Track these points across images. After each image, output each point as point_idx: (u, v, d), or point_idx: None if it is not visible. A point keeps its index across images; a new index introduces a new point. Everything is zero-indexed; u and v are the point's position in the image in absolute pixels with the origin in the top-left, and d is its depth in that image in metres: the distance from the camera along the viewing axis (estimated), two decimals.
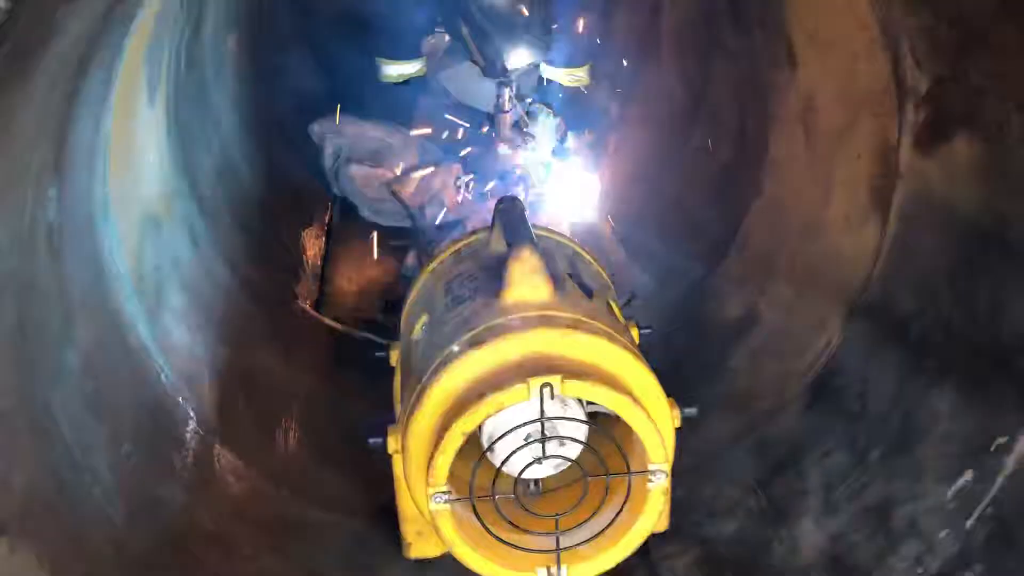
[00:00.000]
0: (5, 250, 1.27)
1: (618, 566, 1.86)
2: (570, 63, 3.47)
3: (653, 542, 1.95)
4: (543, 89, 3.59)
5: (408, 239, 3.27)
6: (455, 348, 1.71)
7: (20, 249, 1.34)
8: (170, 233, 2.17)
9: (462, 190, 3.44)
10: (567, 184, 3.36)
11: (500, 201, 2.11)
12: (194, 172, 2.41)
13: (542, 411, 1.65)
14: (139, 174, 2.06)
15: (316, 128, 3.48)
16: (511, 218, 2.04)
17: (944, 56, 1.69)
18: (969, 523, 1.58)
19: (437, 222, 3.32)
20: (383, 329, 2.65)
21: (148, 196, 2.10)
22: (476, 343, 1.70)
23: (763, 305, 2.39)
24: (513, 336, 1.71)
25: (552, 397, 1.63)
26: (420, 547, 1.93)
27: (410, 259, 3.15)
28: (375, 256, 3.22)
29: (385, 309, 2.85)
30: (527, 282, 1.78)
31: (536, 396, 1.63)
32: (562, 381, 1.63)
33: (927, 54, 1.75)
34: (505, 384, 1.63)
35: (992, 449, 1.57)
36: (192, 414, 1.95)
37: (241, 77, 3.09)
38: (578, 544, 1.76)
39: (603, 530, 1.77)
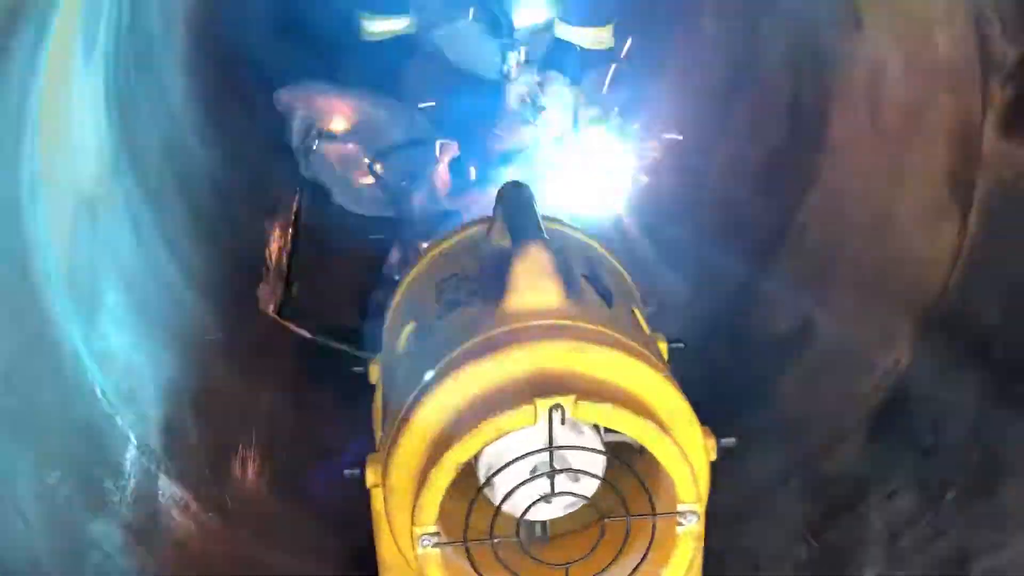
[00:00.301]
0: None
1: None
2: (590, 21, 3.57)
3: None
4: (558, 52, 3.68)
5: (392, 231, 3.35)
6: (448, 363, 1.76)
7: None
8: (109, 220, 2.24)
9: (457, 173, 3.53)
10: (584, 168, 3.43)
11: (504, 187, 2.18)
12: (137, 148, 2.49)
13: (551, 438, 1.70)
14: (73, 150, 2.12)
15: (283, 96, 3.56)
16: (516, 207, 2.10)
17: None
18: None
19: (427, 211, 3.41)
20: (361, 339, 2.72)
21: (83, 176, 2.17)
22: (473, 357, 1.74)
23: (819, 316, 2.47)
24: (517, 349, 1.75)
25: (563, 422, 1.67)
26: None
27: (394, 256, 3.24)
28: (352, 251, 3.30)
29: (364, 315, 2.93)
30: (535, 284, 1.83)
31: (544, 420, 1.67)
32: (575, 403, 1.67)
33: (1017, 19, 1.81)
34: (507, 406, 1.66)
35: None
36: (132, 437, 2.01)
37: (193, 34, 3.17)
38: None
39: None
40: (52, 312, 1.89)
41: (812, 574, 2.05)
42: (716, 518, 1.92)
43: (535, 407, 1.66)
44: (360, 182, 3.53)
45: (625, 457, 1.82)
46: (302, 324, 2.89)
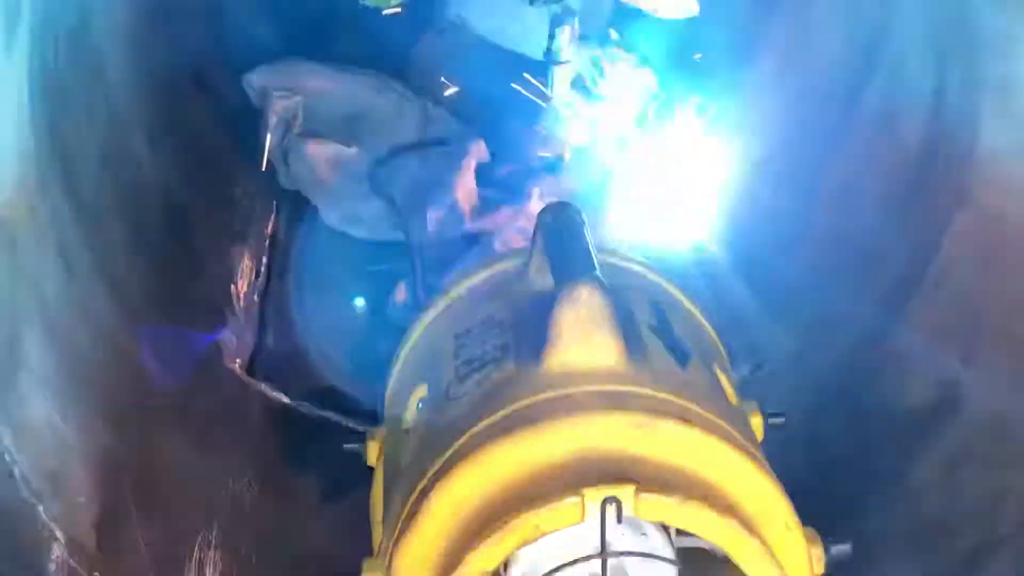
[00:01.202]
0: None
1: None
2: None
3: None
4: (623, 23, 3.83)
5: (399, 261, 3.47)
6: (469, 440, 1.86)
7: None
8: (32, 249, 2.35)
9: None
10: (657, 180, 3.54)
11: (545, 209, 2.29)
12: (69, 153, 2.60)
13: (603, 542, 1.78)
14: None
15: (255, 79, 3.71)
16: (562, 236, 2.21)
17: None
18: None
19: (445, 236, 3.50)
20: (356, 406, 2.83)
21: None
22: (502, 433, 1.83)
23: (967, 381, 2.53)
24: (561, 423, 1.84)
25: (619, 520, 1.75)
26: None
27: (400, 294, 3.35)
28: (345, 287, 3.42)
29: (359, 374, 3.00)
30: (585, 339, 1.93)
31: (595, 518, 1.77)
32: (636, 495, 1.74)
33: None
34: (548, 499, 1.75)
35: None
36: (59, 534, 2.09)
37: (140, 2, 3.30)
38: None
39: None
40: None
41: None
42: None
43: (583, 500, 1.74)
44: (357, 195, 3.64)
45: (703, 567, 1.94)
46: (278, 385, 2.99)
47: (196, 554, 2.34)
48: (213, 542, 2.39)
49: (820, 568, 1.91)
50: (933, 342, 2.67)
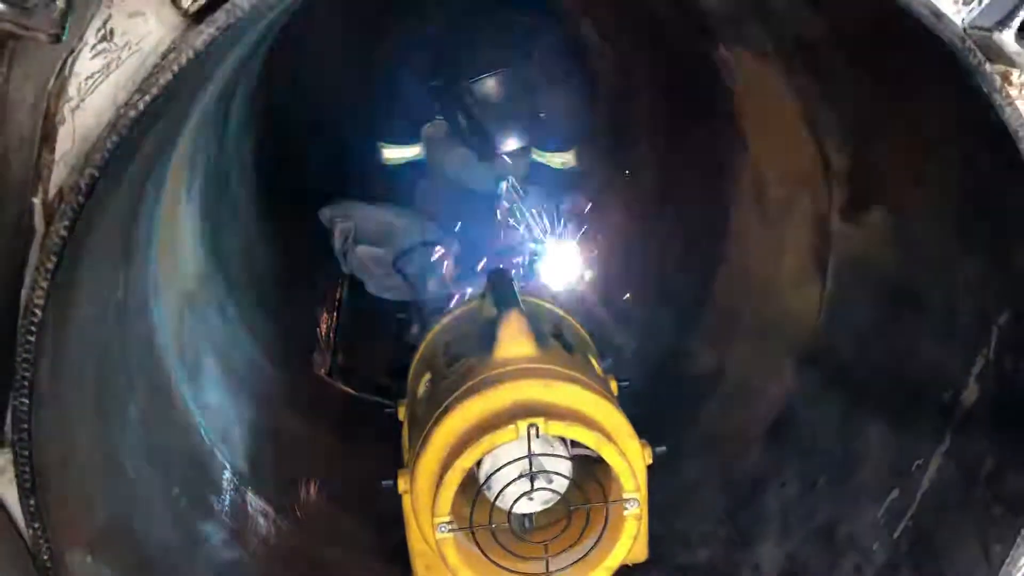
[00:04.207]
0: (91, 322, 1.61)
1: None
2: (558, 148, 3.81)
3: (634, 571, 2.19)
4: (535, 173, 3.88)
5: (412, 311, 3.57)
6: (456, 397, 1.97)
7: (99, 322, 1.68)
8: (204, 309, 2.48)
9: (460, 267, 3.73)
10: (556, 257, 3.62)
11: (491, 272, 2.43)
12: (222, 255, 2.72)
13: (529, 448, 1.92)
14: (179, 259, 2.36)
15: (326, 212, 3.76)
16: (501, 287, 2.36)
17: (853, 143, 2.05)
18: (896, 535, 1.86)
19: (439, 295, 3.59)
20: (391, 393, 2.85)
21: (185, 277, 2.42)
22: (473, 392, 1.95)
23: (728, 359, 2.65)
24: (503, 386, 1.95)
25: (538, 435, 1.87)
26: None
27: (414, 329, 3.41)
28: (382, 327, 3.51)
29: (392, 374, 3.06)
30: (514, 340, 2.05)
31: (524, 437, 1.88)
32: (545, 422, 1.88)
33: (840, 143, 2.09)
34: (498, 426, 1.88)
35: (912, 470, 1.86)
36: (227, 465, 2.23)
37: (260, 172, 3.41)
38: (565, 567, 2.03)
39: (586, 554, 2.05)
40: (170, 376, 2.14)
41: (728, 547, 2.23)
42: (656, 510, 2.09)
43: (517, 426, 1.87)
44: (387, 275, 3.72)
45: (588, 467, 2.03)
46: (347, 382, 3.08)
47: (304, 476, 2.42)
48: (312, 470, 2.46)
49: (649, 460, 2.00)
50: (709, 339, 2.77)
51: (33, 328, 1.29)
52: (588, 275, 3.56)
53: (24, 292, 1.31)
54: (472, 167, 3.83)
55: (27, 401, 1.31)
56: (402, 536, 2.14)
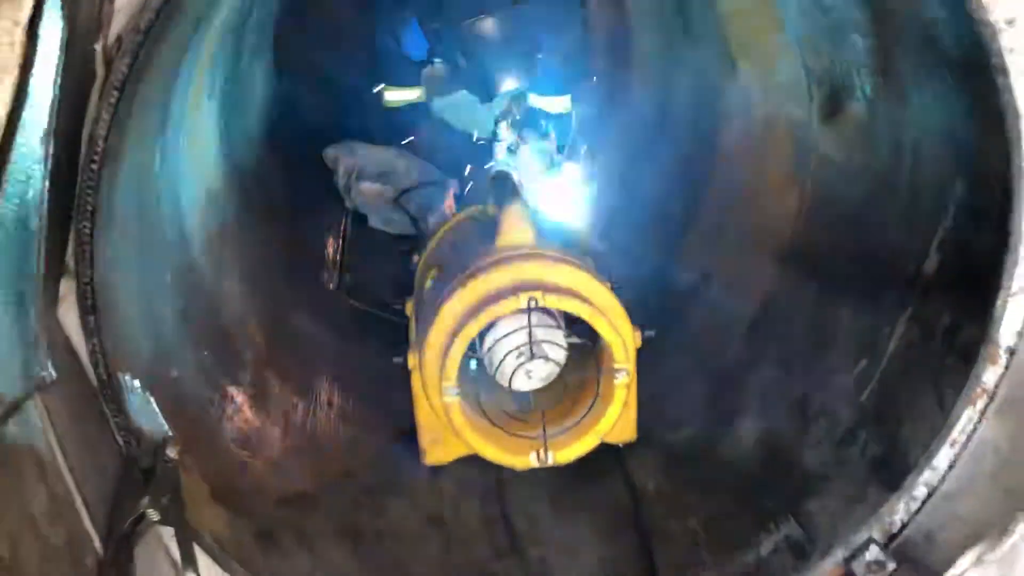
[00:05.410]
0: (134, 176, 1.78)
1: (602, 467, 2.28)
2: (554, 92, 3.91)
3: (626, 450, 2.36)
4: (533, 117, 3.99)
5: (413, 244, 3.67)
6: (463, 277, 2.15)
7: (141, 177, 1.85)
8: (223, 203, 2.64)
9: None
10: (557, 191, 3.71)
11: (495, 174, 2.59)
12: (237, 164, 2.89)
13: (529, 318, 2.08)
14: (202, 152, 2.52)
15: (331, 151, 3.89)
16: (503, 186, 2.54)
17: (828, 47, 2.23)
18: (863, 397, 2.04)
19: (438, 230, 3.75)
20: (390, 308, 3.05)
21: (207, 175, 2.59)
22: (479, 272, 2.14)
23: (715, 267, 2.81)
24: (505, 267, 2.14)
25: (536, 305, 2.04)
26: (435, 454, 2.33)
27: (416, 259, 3.59)
28: (384, 256, 3.63)
29: (393, 293, 3.19)
30: (516, 228, 2.24)
31: (525, 307, 2.08)
32: (543, 295, 2.07)
33: (816, 48, 2.27)
34: (502, 297, 2.07)
35: (879, 340, 2.04)
36: (247, 344, 2.40)
37: (267, 105, 3.58)
38: (561, 432, 2.23)
39: (580, 420, 2.23)
40: (196, 257, 2.32)
41: (710, 424, 2.40)
42: (649, 398, 2.32)
43: (518, 297, 2.08)
44: (390, 210, 3.83)
45: (582, 347, 2.22)
46: (352, 298, 3.24)
47: (317, 364, 2.61)
48: (324, 361, 2.64)
49: (639, 342, 2.17)
50: (697, 250, 2.92)
51: (95, 158, 1.46)
52: (588, 206, 3.65)
53: (87, 128, 1.48)
54: (470, 109, 3.95)
55: (89, 225, 1.47)
56: (408, 421, 2.31)
